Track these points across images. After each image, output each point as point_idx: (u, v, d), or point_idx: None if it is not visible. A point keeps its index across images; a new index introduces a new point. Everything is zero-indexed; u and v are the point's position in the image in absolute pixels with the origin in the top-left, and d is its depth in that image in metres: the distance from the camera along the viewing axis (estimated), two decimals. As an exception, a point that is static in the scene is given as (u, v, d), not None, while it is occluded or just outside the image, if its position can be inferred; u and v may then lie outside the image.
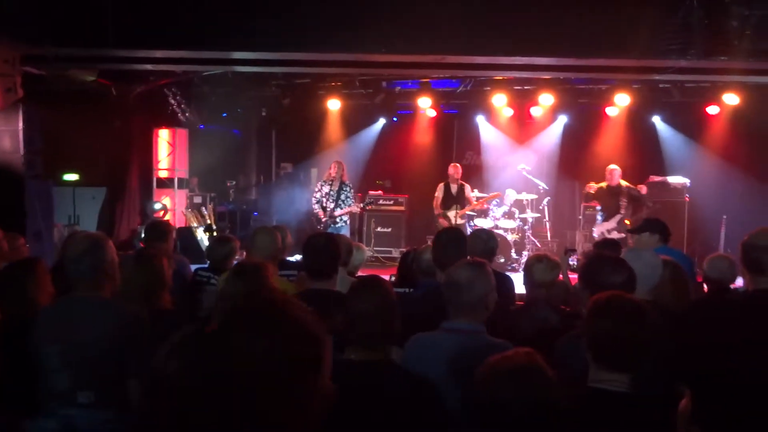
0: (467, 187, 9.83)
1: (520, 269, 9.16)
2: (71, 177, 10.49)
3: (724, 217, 9.96)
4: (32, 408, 2.61)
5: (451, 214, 9.49)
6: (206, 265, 4.38)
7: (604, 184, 9.24)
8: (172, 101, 10.02)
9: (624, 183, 9.21)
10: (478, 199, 9.99)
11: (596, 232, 9.30)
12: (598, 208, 9.56)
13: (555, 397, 1.71)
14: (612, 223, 9.11)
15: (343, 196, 8.49)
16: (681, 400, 1.96)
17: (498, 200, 10.25)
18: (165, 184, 11.07)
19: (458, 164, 9.94)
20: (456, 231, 3.74)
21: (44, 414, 2.59)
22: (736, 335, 2.01)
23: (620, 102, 10.29)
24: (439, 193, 9.77)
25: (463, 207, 9.63)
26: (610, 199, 9.15)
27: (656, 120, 11.23)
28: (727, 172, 10.46)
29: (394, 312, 2.17)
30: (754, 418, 1.82)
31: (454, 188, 9.71)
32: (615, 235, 8.80)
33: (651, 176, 10.62)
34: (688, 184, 10.43)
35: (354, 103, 11.23)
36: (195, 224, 10.50)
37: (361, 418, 2.00)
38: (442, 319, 2.60)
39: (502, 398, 1.68)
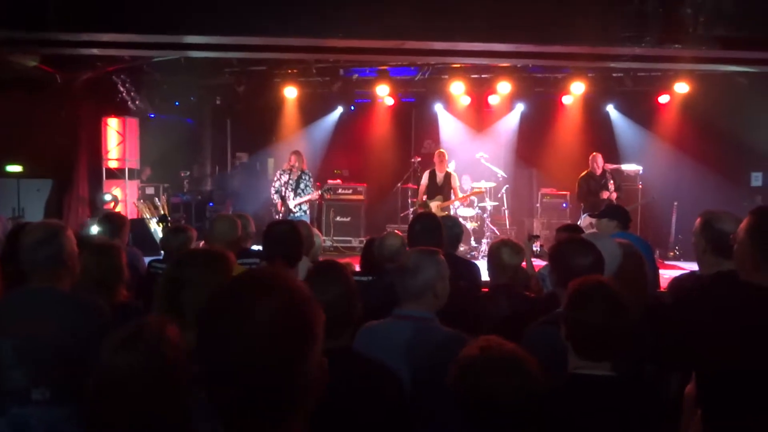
0: (454, 177, 9.40)
1: (480, 257, 9.24)
2: (14, 168, 10.03)
3: (675, 203, 10.24)
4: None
5: (434, 204, 9.17)
6: (161, 257, 4.20)
7: (587, 173, 8.94)
8: (122, 89, 9.68)
9: (609, 168, 8.96)
10: (471, 189, 9.88)
11: (583, 223, 9.11)
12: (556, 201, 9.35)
13: (541, 386, 1.68)
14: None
15: (302, 185, 8.35)
16: (676, 383, 1.95)
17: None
18: (115, 174, 10.70)
19: (444, 151, 9.54)
20: (431, 218, 3.65)
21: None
22: (728, 320, 1.99)
23: (575, 90, 10.43)
24: (424, 181, 9.40)
25: (447, 197, 9.29)
26: (596, 189, 8.80)
27: (610, 109, 11.45)
28: (678, 160, 10.73)
29: (353, 299, 2.09)
30: (755, 401, 1.81)
31: (439, 177, 9.31)
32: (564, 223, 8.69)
33: (605, 164, 10.80)
34: (641, 172, 10.65)
35: (311, 92, 11.07)
36: (148, 215, 10.20)
37: (323, 407, 1.91)
38: None
39: (489, 390, 1.64)
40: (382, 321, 2.52)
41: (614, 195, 8.78)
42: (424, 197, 9.39)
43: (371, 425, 1.95)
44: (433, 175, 9.39)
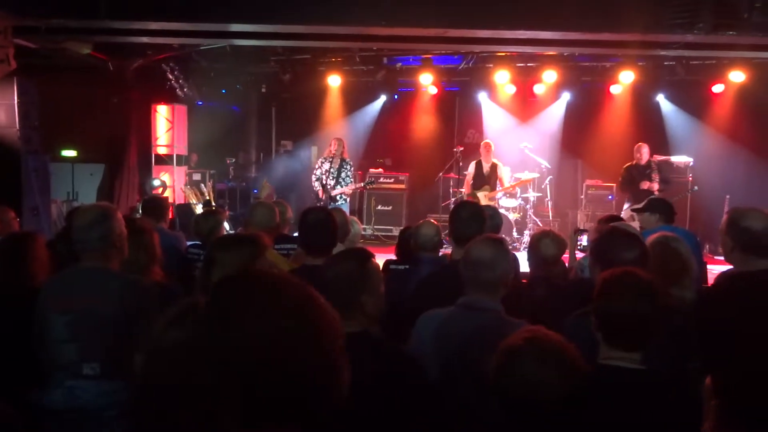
0: (500, 167, 9.46)
1: (522, 249, 9.12)
2: (70, 153, 10.42)
3: (728, 197, 9.89)
4: (36, 380, 2.59)
5: (481, 194, 9.18)
6: (199, 242, 4.30)
7: (631, 163, 8.75)
8: (171, 76, 9.89)
9: (657, 159, 8.76)
10: (514, 179, 9.75)
11: (625, 215, 8.92)
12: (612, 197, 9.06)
13: (582, 377, 1.65)
14: (642, 205, 8.53)
15: (343, 174, 8.40)
16: (703, 376, 1.90)
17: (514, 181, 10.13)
18: (164, 160, 10.99)
19: (490, 142, 9.60)
20: (476, 206, 3.63)
21: (50, 385, 2.57)
22: (752, 317, 1.94)
23: (624, 80, 10.16)
24: (471, 171, 9.48)
25: (494, 187, 9.34)
26: (640, 180, 8.60)
27: (660, 98, 11.12)
28: (732, 152, 10.36)
29: (368, 281, 2.08)
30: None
31: (486, 167, 9.37)
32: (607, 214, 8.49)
33: (654, 155, 10.51)
34: (692, 164, 10.33)
35: (355, 80, 11.09)
36: (194, 201, 10.43)
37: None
38: (450, 296, 2.53)
39: (532, 380, 1.61)
40: (447, 309, 2.48)
41: (655, 186, 8.52)
42: (472, 189, 9.36)
43: (389, 411, 1.94)
44: (479, 166, 9.43)
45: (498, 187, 9.42)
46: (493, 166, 9.39)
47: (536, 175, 10.19)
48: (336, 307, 2.04)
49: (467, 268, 2.45)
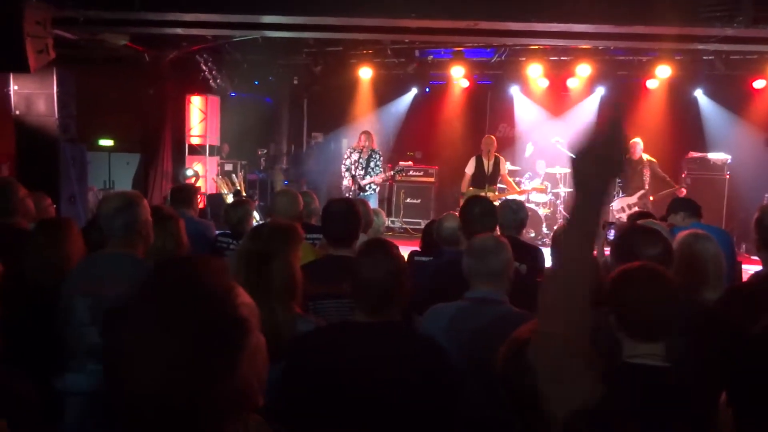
0: (503, 162, 8.80)
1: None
2: (107, 142, 10.67)
3: (767, 195, 9.63)
4: (61, 363, 2.64)
5: (478, 192, 8.59)
6: (228, 231, 4.37)
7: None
8: (204, 68, 10.02)
9: (647, 157, 8.92)
10: (514, 181, 9.42)
11: (617, 206, 9.03)
12: (618, 181, 9.17)
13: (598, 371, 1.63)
14: (634, 198, 8.86)
15: (372, 164, 8.42)
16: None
17: (530, 173, 10.08)
18: (197, 150, 11.17)
19: (493, 136, 9.03)
20: (489, 203, 3.63)
21: (73, 369, 2.61)
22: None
23: (661, 74, 9.93)
24: (470, 169, 8.73)
25: (496, 184, 8.83)
26: (632, 174, 8.88)
27: (698, 94, 10.87)
28: (772, 150, 10.07)
29: (400, 279, 2.08)
30: None
31: (487, 164, 8.61)
32: (636, 210, 8.51)
33: (690, 152, 10.31)
34: (729, 161, 10.08)
35: (386, 73, 11.08)
36: (225, 191, 10.59)
37: (367, 378, 1.95)
38: (465, 286, 2.54)
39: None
40: (454, 303, 2.48)
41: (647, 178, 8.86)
42: (470, 188, 8.64)
43: (416, 397, 1.96)
44: (479, 162, 8.67)
45: (500, 184, 8.98)
46: (496, 162, 8.68)
47: (568, 169, 10.04)
48: (380, 303, 2.07)
49: (474, 257, 2.47)
